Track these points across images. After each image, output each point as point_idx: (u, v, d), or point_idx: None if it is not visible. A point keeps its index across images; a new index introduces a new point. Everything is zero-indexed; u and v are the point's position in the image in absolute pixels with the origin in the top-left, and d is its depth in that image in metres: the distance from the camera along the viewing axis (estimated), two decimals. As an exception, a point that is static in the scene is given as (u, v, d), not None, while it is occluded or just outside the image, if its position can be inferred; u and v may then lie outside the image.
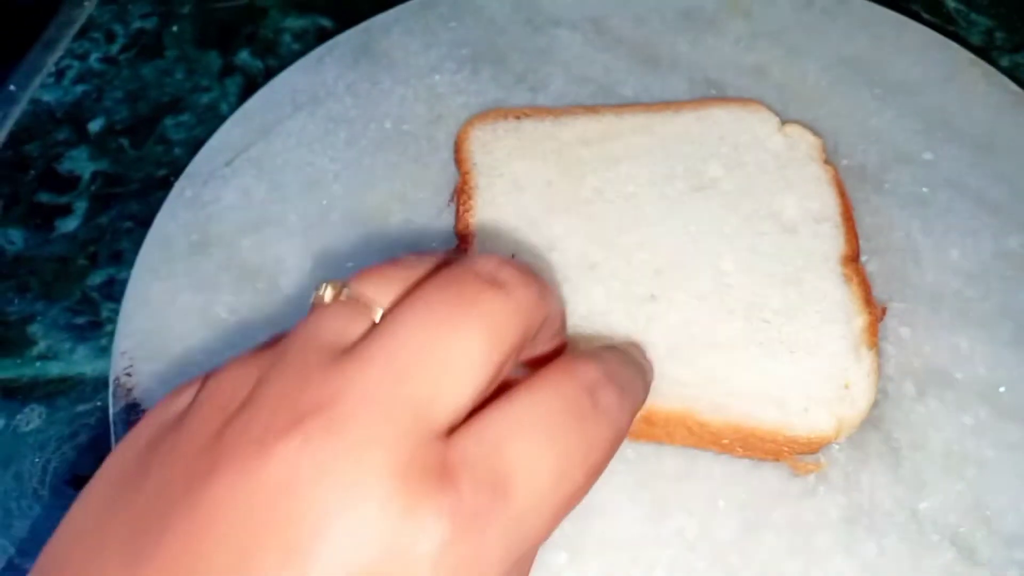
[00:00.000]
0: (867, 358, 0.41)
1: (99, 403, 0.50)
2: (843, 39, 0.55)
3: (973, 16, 0.63)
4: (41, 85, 0.66)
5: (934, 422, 0.41)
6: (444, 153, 0.52)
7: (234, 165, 0.52)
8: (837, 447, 0.41)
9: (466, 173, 0.49)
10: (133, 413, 0.44)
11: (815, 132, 0.49)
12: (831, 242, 0.45)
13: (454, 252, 0.47)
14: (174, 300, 0.47)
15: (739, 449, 0.40)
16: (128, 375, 0.45)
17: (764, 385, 0.40)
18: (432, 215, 0.49)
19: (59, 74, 0.66)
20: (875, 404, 0.41)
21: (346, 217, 0.49)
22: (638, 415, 0.39)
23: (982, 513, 0.39)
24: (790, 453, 0.39)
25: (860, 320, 0.42)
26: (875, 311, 0.42)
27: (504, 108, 0.52)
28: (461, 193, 0.48)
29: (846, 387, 0.40)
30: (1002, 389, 0.42)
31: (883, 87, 0.53)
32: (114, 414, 0.44)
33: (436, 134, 0.52)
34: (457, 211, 0.48)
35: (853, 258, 0.44)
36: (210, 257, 0.49)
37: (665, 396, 0.40)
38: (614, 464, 0.41)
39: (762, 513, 0.39)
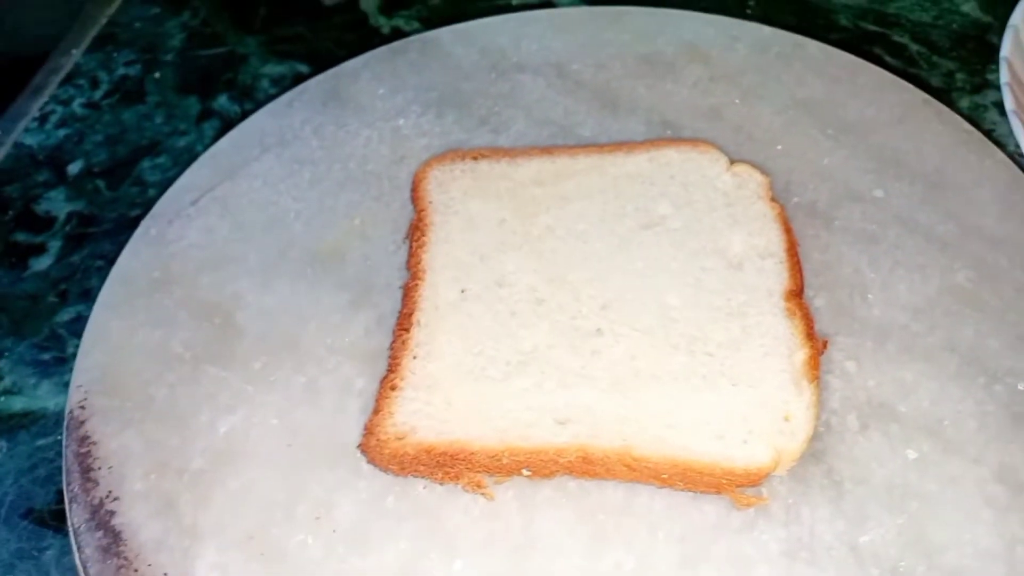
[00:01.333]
0: (808, 391, 0.40)
1: (59, 437, 0.50)
2: (798, 82, 0.55)
3: (935, 58, 0.63)
4: (25, 129, 0.67)
5: (877, 456, 0.40)
6: (405, 192, 0.52)
7: (200, 204, 0.53)
8: (779, 480, 0.40)
9: (422, 211, 0.49)
10: (84, 446, 0.44)
11: (763, 171, 0.49)
12: (775, 277, 0.44)
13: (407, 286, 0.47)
14: (132, 336, 0.47)
15: (679, 483, 0.39)
16: (82, 408, 0.45)
17: (705, 418, 0.40)
18: (389, 251, 0.49)
19: (43, 119, 0.67)
20: (818, 437, 0.41)
21: (304, 254, 0.50)
22: (576, 455, 0.39)
23: (923, 547, 0.38)
24: (730, 486, 0.39)
25: (801, 354, 0.42)
26: (817, 345, 0.42)
27: (462, 149, 0.52)
28: (416, 230, 0.48)
29: (786, 419, 0.40)
30: (946, 423, 0.41)
31: (836, 127, 0.53)
32: (66, 446, 0.44)
33: (398, 174, 0.53)
34: (411, 247, 0.48)
35: (797, 293, 0.44)
36: (170, 294, 0.49)
37: (604, 433, 0.40)
38: (554, 496, 0.40)
39: (701, 547, 0.38)
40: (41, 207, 0.62)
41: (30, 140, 0.66)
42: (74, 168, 0.64)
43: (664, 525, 0.39)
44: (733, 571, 0.38)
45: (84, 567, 0.41)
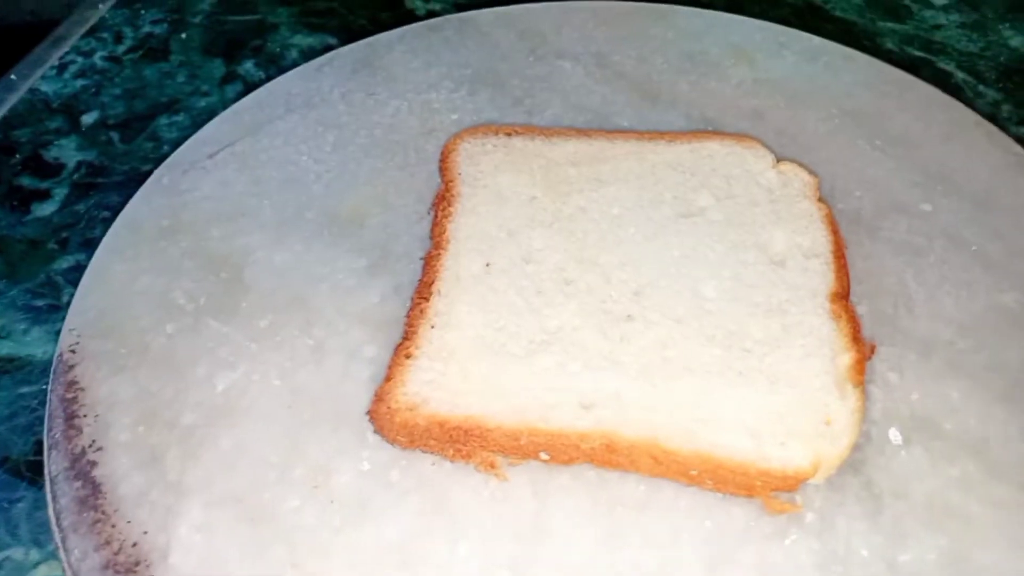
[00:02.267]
0: (852, 396, 0.37)
1: (43, 386, 0.47)
2: (845, 93, 0.53)
3: (981, 88, 0.61)
4: (42, 77, 0.64)
5: (918, 471, 0.37)
6: (431, 164, 0.49)
7: (217, 158, 0.50)
8: (813, 488, 0.37)
9: (450, 182, 0.46)
10: (71, 391, 0.40)
11: (810, 171, 0.46)
12: (820, 278, 0.41)
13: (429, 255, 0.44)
14: (133, 282, 0.44)
15: (708, 482, 0.36)
16: (72, 352, 0.42)
17: (739, 414, 0.37)
18: (412, 220, 0.46)
19: (61, 68, 0.64)
20: (857, 448, 0.38)
21: (321, 215, 0.47)
22: (599, 441, 0.36)
23: (965, 572, 0.35)
24: (764, 489, 0.35)
25: (847, 357, 0.38)
26: (863, 349, 0.39)
27: (496, 124, 0.49)
28: (442, 200, 0.45)
29: (827, 423, 0.36)
30: (992, 444, 0.38)
31: (883, 139, 0.50)
32: (51, 391, 0.41)
33: (426, 146, 0.50)
34: (436, 216, 0.45)
35: (843, 295, 0.41)
36: (177, 243, 0.46)
37: (631, 422, 0.37)
38: (571, 484, 0.37)
39: (727, 551, 0.35)
40: (50, 153, 0.59)
41: (46, 87, 0.63)
42: (88, 118, 0.61)
43: (688, 525, 0.36)
44: (760, 579, 0.34)
45: (57, 519, 0.37)
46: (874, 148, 0.50)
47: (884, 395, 0.39)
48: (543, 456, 0.36)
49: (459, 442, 0.37)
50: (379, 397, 0.38)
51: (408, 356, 0.39)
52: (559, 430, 0.36)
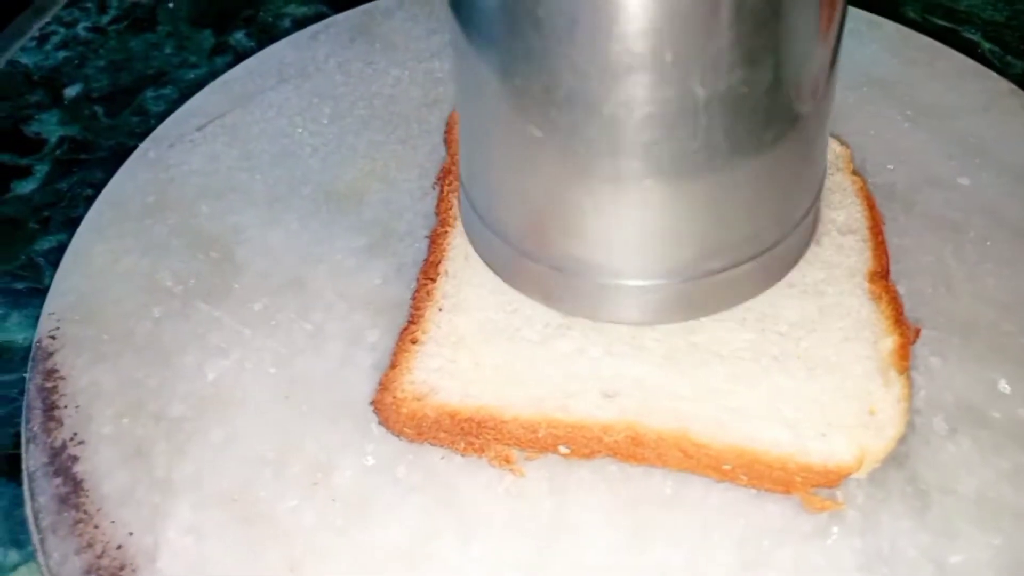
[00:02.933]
0: (897, 383, 0.34)
1: (23, 375, 0.43)
2: (872, 61, 0.50)
3: (1009, 58, 0.57)
4: (22, 49, 0.60)
5: (967, 464, 0.34)
6: (435, 137, 0.46)
7: (206, 130, 0.46)
8: (855, 483, 0.34)
9: (455, 154, 0.43)
10: (50, 379, 0.37)
11: (843, 142, 0.43)
12: (857, 256, 0.38)
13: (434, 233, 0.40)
14: (117, 263, 0.41)
15: (743, 477, 0.33)
16: (52, 338, 0.38)
17: (775, 403, 0.34)
18: (415, 196, 0.43)
19: (42, 39, 0.60)
20: (901, 439, 0.34)
21: (318, 191, 0.43)
22: (624, 433, 0.32)
23: (1021, 574, 0.32)
24: (803, 485, 0.32)
25: (889, 341, 0.35)
26: (907, 333, 0.36)
27: None
28: (448, 174, 0.42)
29: (871, 413, 0.33)
30: (1045, 434, 0.35)
31: (915, 110, 0.47)
32: (30, 380, 0.37)
33: (428, 117, 0.47)
34: (441, 191, 0.42)
35: (882, 275, 0.38)
36: (164, 221, 0.42)
37: (658, 412, 0.34)
38: (591, 479, 0.34)
39: (763, 552, 0.32)
40: (31, 128, 0.55)
41: (26, 59, 0.59)
42: (71, 91, 0.57)
43: (720, 524, 0.33)
44: (801, 583, 0.31)
45: (36, 518, 0.34)
46: (905, 119, 0.46)
47: (927, 381, 0.36)
48: (563, 450, 0.33)
49: (471, 434, 0.33)
50: (384, 386, 0.35)
51: (414, 341, 0.35)
52: (580, 421, 0.33)
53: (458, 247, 0.38)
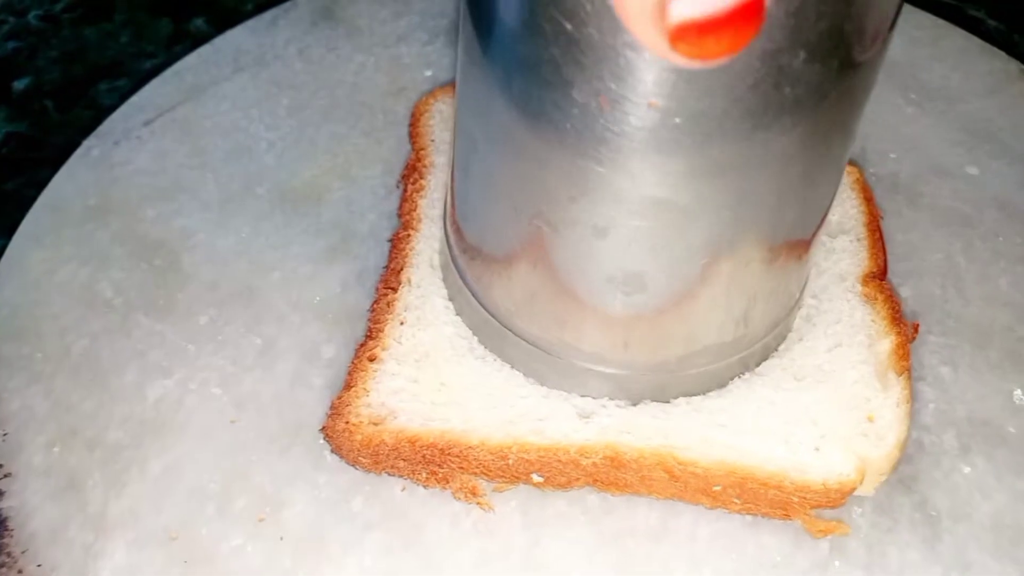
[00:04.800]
0: (896, 386, 0.31)
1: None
2: (872, 39, 0.46)
3: (1016, 37, 0.53)
4: (-32, 40, 0.56)
5: (981, 486, 0.31)
6: (402, 129, 0.42)
7: (154, 125, 0.42)
8: (859, 512, 0.30)
9: (421, 150, 0.39)
10: (-24, 405, 0.34)
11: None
12: (849, 259, 0.35)
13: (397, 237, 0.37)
14: (54, 273, 0.37)
15: (736, 501, 0.29)
16: (-20, 358, 0.35)
17: (764, 417, 0.30)
18: (379, 195, 0.39)
19: (-9, 29, 0.56)
20: (908, 460, 0.31)
21: (274, 191, 0.39)
22: (603, 454, 0.29)
23: (1044, 610, 0.29)
24: (803, 507, 0.29)
25: (886, 342, 0.32)
26: (905, 331, 0.32)
27: None
28: (412, 172, 0.38)
29: (869, 420, 0.30)
30: (1067, 451, 0.32)
31: (919, 93, 0.43)
32: (-45, 405, 0.34)
33: (395, 107, 0.43)
34: (405, 191, 0.38)
35: (878, 275, 0.34)
36: (106, 226, 0.38)
37: (638, 429, 0.30)
38: (569, 511, 0.30)
39: (758, 590, 0.29)
40: (-25, 125, 0.51)
41: (-27, 51, 0.55)
42: (20, 84, 0.53)
43: (711, 558, 0.29)
44: (801, 626, 0.28)
45: (-43, 560, 0.30)
46: (908, 102, 0.43)
47: (937, 394, 0.33)
48: (536, 478, 0.30)
49: (434, 463, 0.30)
50: (336, 410, 0.31)
51: (372, 359, 0.32)
52: (555, 443, 0.29)
53: (422, 253, 0.35)
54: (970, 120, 0.42)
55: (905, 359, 0.32)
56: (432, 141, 0.39)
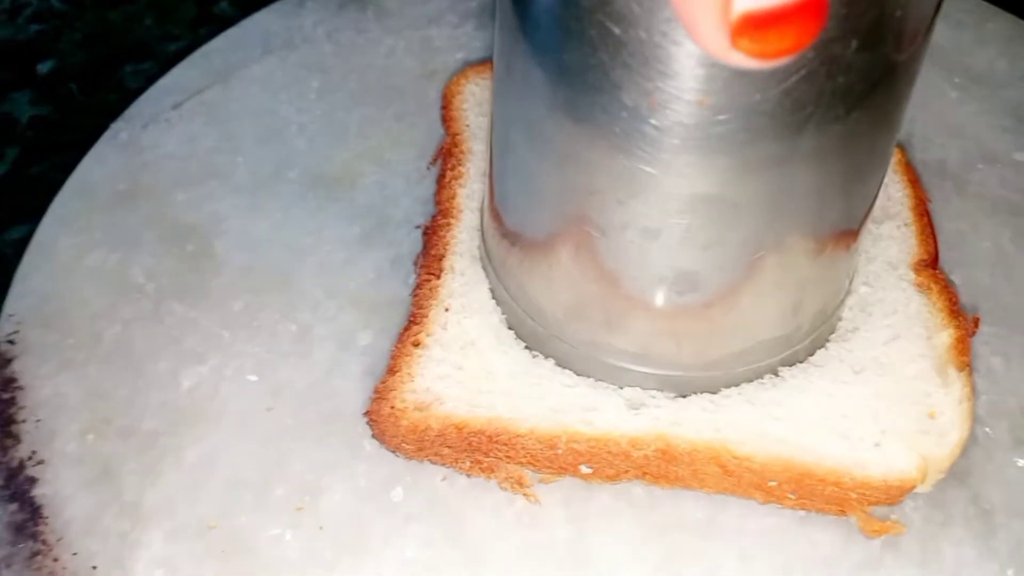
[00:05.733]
0: (957, 382, 0.30)
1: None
2: (915, 23, 0.45)
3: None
4: (-8, 22, 0.56)
5: (1037, 482, 0.30)
6: (434, 112, 0.41)
7: (183, 109, 0.42)
8: (911, 506, 0.30)
9: (456, 135, 0.38)
10: (8, 390, 0.33)
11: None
12: (899, 246, 0.34)
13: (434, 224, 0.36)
14: (83, 258, 0.37)
15: (791, 497, 0.29)
16: (11, 343, 0.34)
17: (823, 411, 0.29)
18: (412, 180, 0.39)
19: (14, 11, 0.56)
20: (961, 453, 0.30)
21: (305, 176, 0.39)
22: (654, 446, 0.28)
23: (1103, 608, 0.28)
24: (860, 504, 0.28)
25: (944, 336, 0.31)
26: (964, 325, 0.32)
27: None
28: (449, 157, 0.38)
29: (931, 417, 0.29)
30: (1125, 446, 0.31)
31: (964, 78, 0.42)
32: (-14, 390, 0.34)
33: (427, 91, 0.42)
34: (442, 177, 0.37)
35: (930, 263, 0.33)
36: (136, 211, 0.38)
37: (691, 423, 0.29)
38: (613, 505, 0.30)
39: (809, 586, 0.28)
40: (1, 108, 0.51)
41: (-5, 33, 0.55)
42: (44, 68, 0.53)
43: (760, 554, 0.29)
44: (854, 623, 0.27)
45: (-11, 549, 0.30)
46: (953, 87, 0.42)
47: (989, 385, 0.32)
48: (584, 470, 0.29)
49: (480, 451, 0.29)
50: (380, 394, 0.30)
51: (416, 344, 0.31)
52: (605, 434, 0.29)
53: (464, 242, 0.34)
54: (1017, 105, 0.41)
55: (965, 354, 0.31)
56: (467, 126, 0.39)
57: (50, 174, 0.48)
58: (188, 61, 0.44)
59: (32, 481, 0.31)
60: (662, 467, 0.29)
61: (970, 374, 0.31)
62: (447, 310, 0.32)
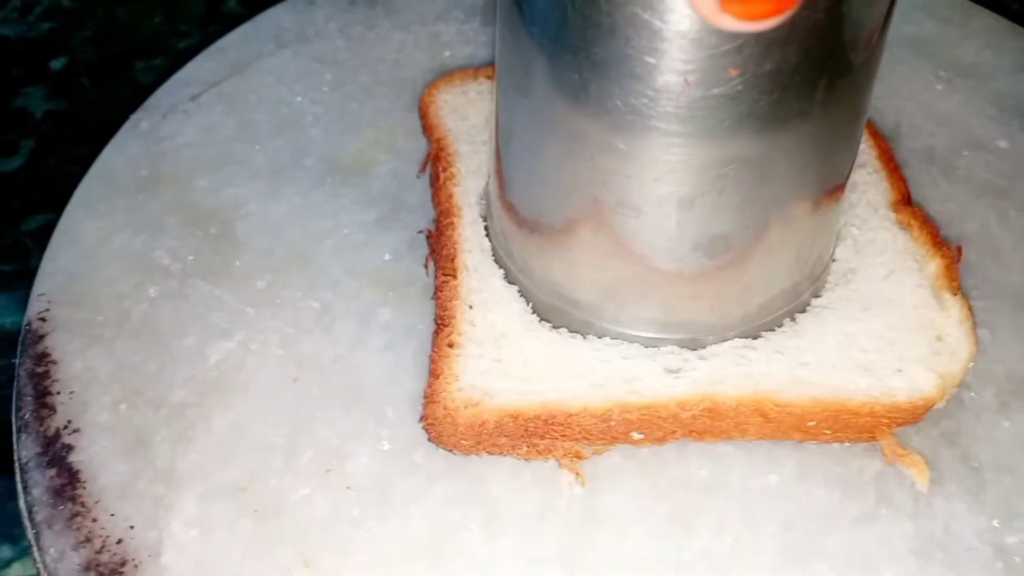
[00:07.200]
0: (955, 305, 0.34)
1: (13, 360, 0.41)
2: (904, 19, 0.47)
3: (1039, 18, 0.55)
4: (3, 20, 0.58)
5: (1021, 441, 0.33)
6: (445, 104, 0.44)
7: (201, 100, 0.44)
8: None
9: (440, 140, 0.40)
10: (41, 364, 0.35)
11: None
12: (874, 189, 0.37)
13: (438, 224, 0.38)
14: (109, 240, 0.39)
15: (827, 432, 0.31)
16: (43, 320, 0.36)
17: (845, 350, 0.32)
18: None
19: (25, 9, 0.58)
20: (950, 415, 0.33)
21: (322, 163, 0.41)
22: (701, 405, 0.30)
23: (1085, 556, 0.30)
24: (889, 426, 0.31)
25: (933, 265, 0.35)
26: (949, 252, 0.35)
27: (471, 68, 0.44)
28: (438, 161, 0.39)
29: (939, 339, 0.33)
30: (1104, 408, 0.33)
31: (950, 70, 0.45)
32: (20, 365, 0.35)
33: (437, 83, 0.44)
34: (436, 180, 0.39)
35: (904, 201, 0.37)
36: (158, 196, 0.40)
37: (730, 379, 0.32)
38: (624, 463, 0.32)
39: (812, 538, 0.30)
40: (16, 103, 0.53)
41: (8, 31, 0.57)
42: (57, 64, 0.55)
43: (763, 509, 0.31)
44: (852, 570, 0.30)
45: (29, 512, 0.32)
46: (940, 79, 0.45)
47: (977, 354, 0.35)
48: (635, 436, 0.31)
49: (536, 435, 0.31)
50: (430, 398, 0.32)
51: (451, 345, 0.33)
52: (654, 400, 0.31)
53: (470, 238, 0.36)
54: (1000, 96, 0.44)
55: (955, 279, 0.34)
56: (449, 131, 0.40)
57: (65, 166, 0.50)
58: (204, 54, 0.46)
59: (68, 448, 0.33)
60: (707, 423, 0.31)
61: (964, 296, 0.34)
62: (471, 307, 0.34)
